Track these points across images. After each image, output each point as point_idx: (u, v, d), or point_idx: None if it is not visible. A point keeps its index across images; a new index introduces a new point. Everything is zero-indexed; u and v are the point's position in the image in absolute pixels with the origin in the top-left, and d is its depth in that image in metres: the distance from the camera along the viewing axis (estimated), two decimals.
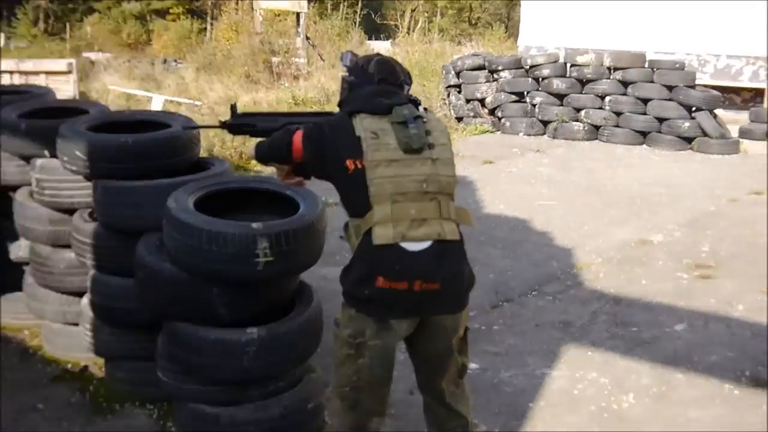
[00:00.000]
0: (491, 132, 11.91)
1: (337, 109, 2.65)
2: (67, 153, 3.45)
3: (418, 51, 22.98)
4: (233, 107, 3.00)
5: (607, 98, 11.13)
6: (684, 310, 4.69)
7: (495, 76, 12.02)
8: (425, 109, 2.51)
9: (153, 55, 26.83)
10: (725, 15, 12.98)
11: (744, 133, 11.19)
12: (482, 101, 12.13)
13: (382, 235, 2.26)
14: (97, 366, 3.82)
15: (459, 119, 12.31)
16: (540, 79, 11.61)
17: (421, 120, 2.39)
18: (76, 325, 3.88)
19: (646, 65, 11.02)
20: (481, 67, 12.13)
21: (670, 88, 10.68)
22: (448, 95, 12.68)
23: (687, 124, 10.49)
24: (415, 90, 14.51)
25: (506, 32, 40.31)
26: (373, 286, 2.28)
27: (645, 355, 4.06)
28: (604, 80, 11.14)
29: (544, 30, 14.89)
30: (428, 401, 2.64)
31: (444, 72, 13.18)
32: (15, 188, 4.16)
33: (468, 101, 12.22)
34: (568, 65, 11.51)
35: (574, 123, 11.25)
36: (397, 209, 2.29)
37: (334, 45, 24.13)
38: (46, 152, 3.80)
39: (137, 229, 3.29)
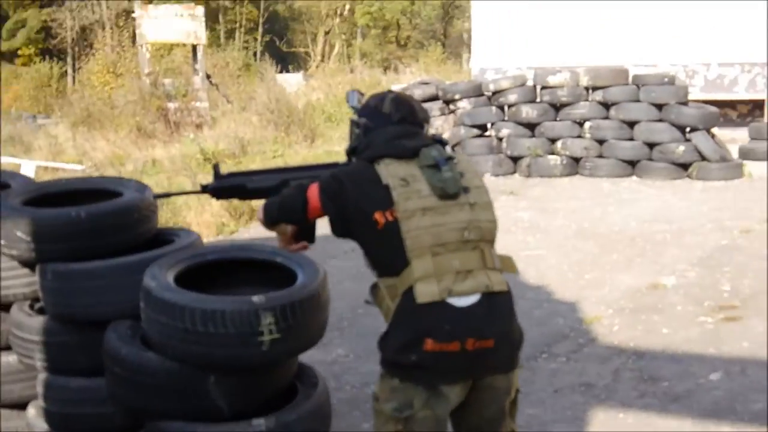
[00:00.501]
0: None
1: (342, 158, 3.04)
2: (5, 235, 3.71)
3: (342, 83, 23.78)
4: (216, 167, 3.37)
5: (587, 124, 11.89)
6: (716, 357, 5.19)
7: (451, 107, 12.67)
8: (452, 148, 2.90)
9: (3, 110, 26.82)
10: (715, 17, 14.04)
11: (745, 154, 12.09)
12: None
13: (426, 293, 2.63)
14: None
15: None
16: (506, 107, 12.32)
17: (452, 161, 2.78)
18: None
19: (630, 82, 11.83)
20: (433, 98, 12.80)
21: (659, 106, 11.49)
22: None
23: (682, 148, 11.28)
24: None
25: (444, 52, 41.72)
26: (422, 350, 2.62)
27: (683, 411, 4.51)
28: (582, 103, 11.92)
29: (501, 48, 15.77)
30: None
31: None
32: None
33: None
34: (538, 88, 12.24)
35: (550, 157, 11.95)
36: (439, 262, 2.65)
37: (238, 82, 24.69)
38: None
39: (100, 317, 3.56)
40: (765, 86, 14.37)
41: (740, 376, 4.92)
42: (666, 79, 11.77)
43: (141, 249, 3.79)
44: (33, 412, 3.92)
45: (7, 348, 4.07)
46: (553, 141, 12.07)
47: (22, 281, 3.96)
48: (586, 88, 12.00)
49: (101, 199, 3.94)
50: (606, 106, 11.88)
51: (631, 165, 11.60)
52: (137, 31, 19.60)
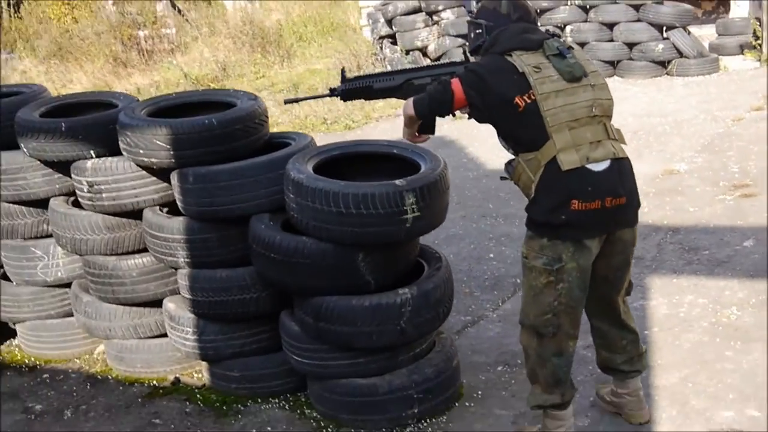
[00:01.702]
0: None
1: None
2: (143, 144, 4.07)
3: (298, 4, 23.70)
4: (343, 71, 3.76)
5: (568, 28, 12.31)
6: (745, 227, 5.78)
7: (435, 18, 12.98)
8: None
9: None
10: None
11: (715, 49, 12.64)
12: (424, 50, 13.07)
13: (569, 161, 3.10)
14: (187, 376, 4.49)
15: None
16: None
17: (572, 50, 3.24)
18: (155, 337, 4.54)
19: None
20: (416, 10, 13.06)
21: (636, 7, 11.94)
22: (381, 48, 13.54)
23: (661, 46, 11.79)
24: (335, 50, 15.29)
25: None
26: (569, 210, 3.10)
27: (728, 273, 5.10)
28: (562, 7, 12.33)
29: None
30: (599, 324, 3.51)
31: (370, 21, 14.04)
32: (41, 201, 4.74)
33: (407, 52, 13.13)
34: None
35: None
36: (575, 135, 3.13)
37: (200, 7, 24.47)
38: (92, 152, 4.42)
39: (241, 213, 3.98)
40: None
41: None
42: None
43: (261, 153, 4.20)
44: (172, 305, 4.35)
45: (139, 251, 4.49)
46: None
47: (150, 188, 4.34)
48: None
49: (217, 110, 4.33)
50: (585, 9, 12.29)
51: (613, 65, 12.07)
52: None
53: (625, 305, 3.53)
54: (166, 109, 4.46)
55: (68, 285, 4.83)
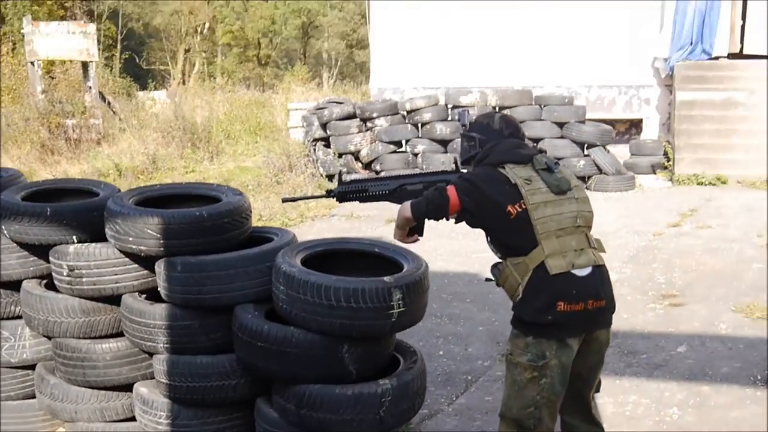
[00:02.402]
0: None
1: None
2: (133, 232, 4.22)
3: (222, 101, 24.09)
4: (340, 174, 4.03)
5: None
6: (677, 334, 6.19)
7: (369, 124, 13.47)
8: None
9: None
10: (592, 44, 15.48)
11: (629, 168, 13.47)
12: (356, 154, 13.50)
13: (557, 266, 3.40)
14: None
15: (330, 177, 13.53)
16: (420, 125, 13.22)
17: (558, 165, 3.59)
18: (121, 421, 4.59)
19: (533, 102, 12.99)
20: (351, 116, 13.55)
21: (560, 125, 12.70)
22: (314, 150, 13.90)
23: (582, 163, 12.51)
24: (266, 149, 15.60)
25: (309, 72, 42.34)
26: (556, 311, 3.39)
27: (666, 375, 5.46)
28: None
29: (396, 69, 16.70)
30: (570, 419, 3.75)
31: (305, 124, 14.43)
32: (13, 283, 4.80)
33: (340, 155, 13.53)
34: (450, 108, 13.23)
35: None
36: (562, 242, 3.45)
37: (124, 99, 24.60)
38: (75, 237, 4.54)
39: (228, 303, 4.14)
40: (639, 107, 15.91)
41: (702, 347, 5.93)
42: (566, 100, 13.02)
43: (244, 246, 4.39)
44: (145, 390, 4.43)
45: (113, 335, 4.58)
46: None
47: (131, 275, 4.47)
48: (494, 108, 13.05)
49: (200, 203, 4.53)
50: None
51: None
52: (27, 48, 19.29)
53: (594, 401, 3.81)
54: (152, 200, 4.62)
55: (32, 367, 4.85)
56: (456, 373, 5.69)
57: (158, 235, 4.20)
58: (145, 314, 4.29)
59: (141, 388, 4.46)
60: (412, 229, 3.81)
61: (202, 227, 4.24)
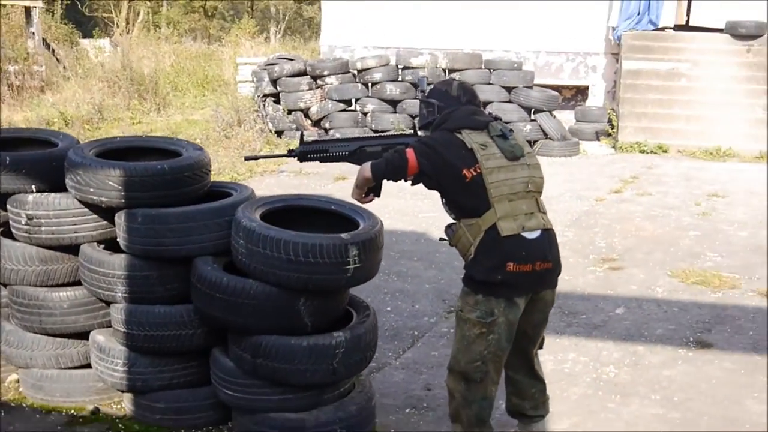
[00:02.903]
0: None
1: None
2: (95, 183, 4.28)
3: (168, 52, 23.83)
4: (301, 134, 4.15)
5: None
6: (615, 296, 6.47)
7: (319, 82, 13.50)
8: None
9: None
10: (542, 10, 15.67)
11: (573, 134, 13.76)
12: (306, 111, 13.54)
13: (508, 228, 3.58)
14: (106, 406, 4.65)
15: (279, 133, 13.59)
16: (371, 85, 13.31)
17: (513, 132, 3.76)
18: (76, 368, 4.69)
19: (483, 66, 13.15)
20: (302, 73, 13.55)
21: (508, 89, 12.90)
22: (264, 105, 13.90)
23: (528, 127, 12.73)
24: (215, 102, 15.52)
25: (257, 26, 41.91)
26: (505, 271, 3.57)
27: (604, 335, 5.72)
28: None
29: (347, 28, 16.71)
30: (513, 374, 3.97)
31: (255, 79, 14.38)
32: None
33: (289, 112, 13.55)
34: (400, 68, 13.33)
35: (411, 131, 13.04)
36: (513, 206, 3.62)
37: (67, 47, 24.16)
38: (34, 187, 4.58)
39: (187, 255, 4.25)
40: (586, 74, 16.18)
41: (639, 309, 6.21)
42: (515, 65, 13.20)
43: (204, 200, 4.49)
44: (102, 338, 4.53)
45: (70, 284, 4.66)
46: (413, 117, 13.15)
47: (90, 225, 4.55)
48: (444, 70, 13.19)
49: (160, 156, 4.61)
50: None
51: None
52: None
53: (537, 358, 4.02)
54: (113, 152, 4.68)
55: None
56: (403, 329, 5.88)
57: (119, 187, 4.28)
58: (104, 264, 4.38)
59: (98, 336, 4.56)
60: (369, 189, 3.96)
61: (163, 180, 4.33)
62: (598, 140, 13.90)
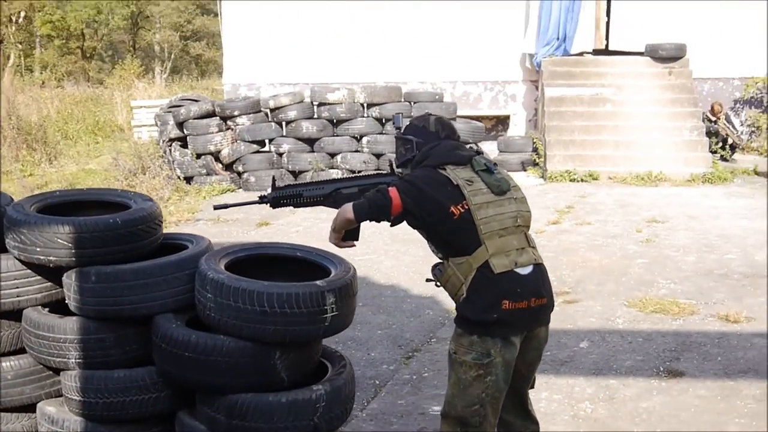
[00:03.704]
0: (232, 191, 13.32)
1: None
2: (41, 242, 4.23)
3: (50, 98, 23.46)
4: (273, 180, 4.20)
5: (365, 139, 13.29)
6: (577, 330, 6.67)
7: (229, 123, 13.51)
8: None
9: None
10: (457, 40, 16.11)
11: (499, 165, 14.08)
12: (217, 155, 13.51)
13: (501, 265, 3.68)
14: None
15: (188, 179, 13.52)
16: (285, 123, 13.40)
17: (497, 166, 3.89)
18: None
19: (403, 99, 13.41)
20: (210, 114, 13.55)
21: None
22: (170, 150, 13.81)
23: None
24: (113, 149, 15.34)
25: (141, 65, 41.53)
26: (500, 309, 3.66)
27: (573, 371, 5.89)
28: (360, 119, 13.32)
29: (251, 64, 16.82)
30: (506, 416, 4.04)
31: (159, 123, 14.31)
32: None
33: (198, 156, 13.50)
34: (316, 104, 13.47)
35: (331, 170, 13.19)
36: (504, 242, 3.73)
37: None
38: None
39: (146, 313, 4.23)
40: (506, 103, 16.66)
41: (603, 342, 6.42)
42: (437, 97, 13.52)
43: (160, 254, 4.48)
44: (52, 408, 4.45)
45: (13, 352, 4.57)
46: (332, 155, 13.32)
47: (34, 287, 4.48)
48: (363, 105, 13.40)
49: (105, 210, 4.59)
50: (381, 121, 13.35)
51: None
52: None
53: (529, 398, 4.14)
54: (53, 207, 4.62)
55: None
56: (362, 378, 5.92)
57: (69, 245, 4.22)
58: (54, 329, 4.30)
59: (47, 408, 4.46)
60: (347, 233, 4.01)
61: (115, 235, 4.28)
62: (525, 170, 14.28)
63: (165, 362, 4.15)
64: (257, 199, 4.25)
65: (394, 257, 9.11)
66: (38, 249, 4.26)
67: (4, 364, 4.48)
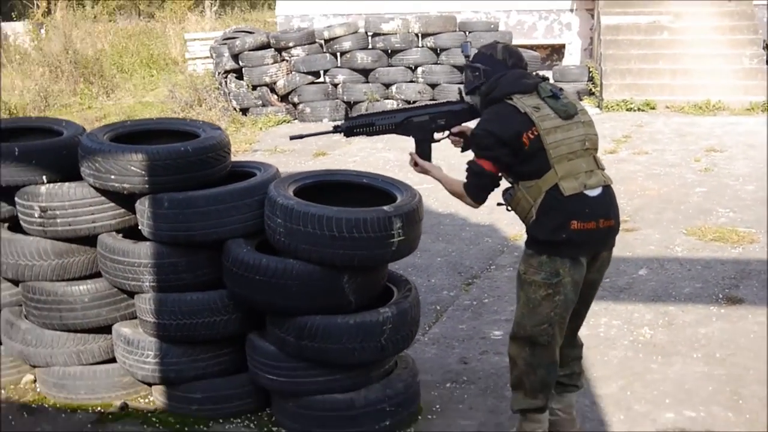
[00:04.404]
0: (288, 122, 13.40)
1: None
2: (116, 170, 4.36)
3: (103, 32, 23.59)
4: (346, 110, 4.28)
5: (420, 69, 13.25)
6: (635, 258, 6.71)
7: (284, 54, 13.53)
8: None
9: None
10: None
11: None
12: (272, 86, 13.57)
13: (570, 187, 3.73)
14: (133, 401, 4.75)
15: (244, 111, 13.62)
16: (340, 54, 13.40)
17: (563, 91, 3.92)
18: (99, 363, 4.78)
19: (458, 29, 13.31)
20: (265, 46, 13.55)
21: None
22: (226, 82, 13.90)
23: None
24: (169, 81, 15.49)
25: None
26: (569, 229, 3.73)
27: (632, 298, 5.95)
28: (414, 49, 13.26)
29: None
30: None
31: (215, 55, 14.37)
32: None
33: (254, 87, 13.57)
34: (370, 35, 13.43)
35: (386, 101, 13.19)
36: (573, 165, 3.77)
37: None
38: (44, 177, 4.65)
39: (217, 238, 4.36)
40: (561, 32, 16.45)
41: (662, 270, 6.46)
42: (492, 26, 13.40)
43: (227, 181, 4.60)
44: (128, 330, 4.64)
45: (89, 276, 4.75)
46: (387, 86, 13.32)
47: (108, 214, 4.64)
48: (417, 35, 13.34)
49: (176, 138, 4.70)
50: (437, 51, 13.29)
51: None
52: None
53: (582, 322, 4.21)
54: (126, 136, 4.76)
55: None
56: (424, 304, 5.99)
57: (143, 172, 4.36)
58: (129, 253, 4.47)
59: (123, 329, 4.66)
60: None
61: (187, 163, 4.42)
62: (581, 100, 14.13)
63: (236, 285, 4.29)
64: (332, 128, 4.34)
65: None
66: (113, 176, 4.40)
67: (81, 287, 4.66)
